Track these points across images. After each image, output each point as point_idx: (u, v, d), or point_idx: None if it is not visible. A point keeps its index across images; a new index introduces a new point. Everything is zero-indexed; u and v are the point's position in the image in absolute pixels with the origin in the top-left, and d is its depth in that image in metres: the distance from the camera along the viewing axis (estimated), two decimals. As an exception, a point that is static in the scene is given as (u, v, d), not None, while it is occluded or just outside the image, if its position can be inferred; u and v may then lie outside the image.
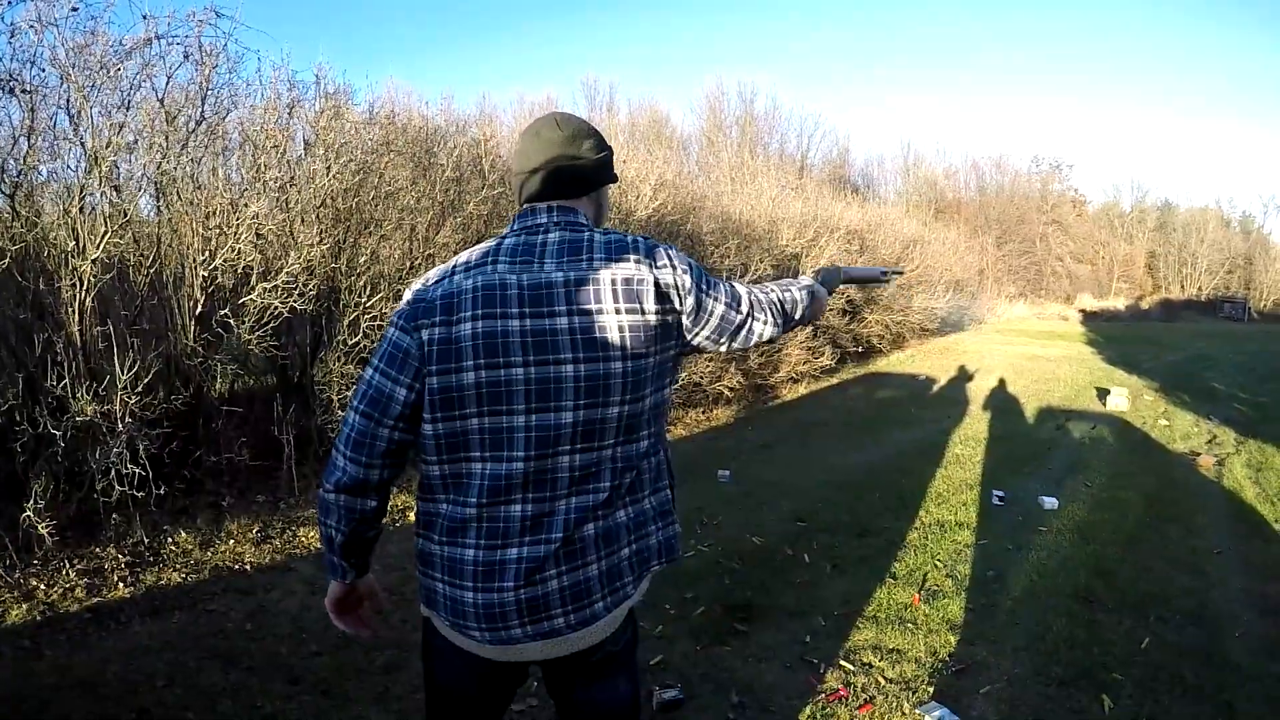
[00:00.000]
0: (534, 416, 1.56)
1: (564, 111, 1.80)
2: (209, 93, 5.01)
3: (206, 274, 4.78)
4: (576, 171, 1.73)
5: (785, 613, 4.23)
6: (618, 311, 1.59)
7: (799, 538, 5.34)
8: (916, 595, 4.43)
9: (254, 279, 4.91)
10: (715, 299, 1.72)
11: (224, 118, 5.18)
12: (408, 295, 1.66)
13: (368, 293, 5.44)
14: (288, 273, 4.85)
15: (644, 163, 9.60)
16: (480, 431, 1.57)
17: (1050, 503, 6.17)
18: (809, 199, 14.74)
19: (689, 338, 1.72)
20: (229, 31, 5.04)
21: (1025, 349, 17.20)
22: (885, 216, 18.08)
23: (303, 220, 5.15)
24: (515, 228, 1.70)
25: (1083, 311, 29.82)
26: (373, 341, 5.45)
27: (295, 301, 4.94)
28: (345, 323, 5.39)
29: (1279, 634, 4.15)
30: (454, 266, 1.66)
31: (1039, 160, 38.64)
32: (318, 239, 5.07)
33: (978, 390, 11.71)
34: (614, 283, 1.60)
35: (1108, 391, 11.67)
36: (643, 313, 1.60)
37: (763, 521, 5.67)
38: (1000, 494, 6.33)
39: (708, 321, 1.72)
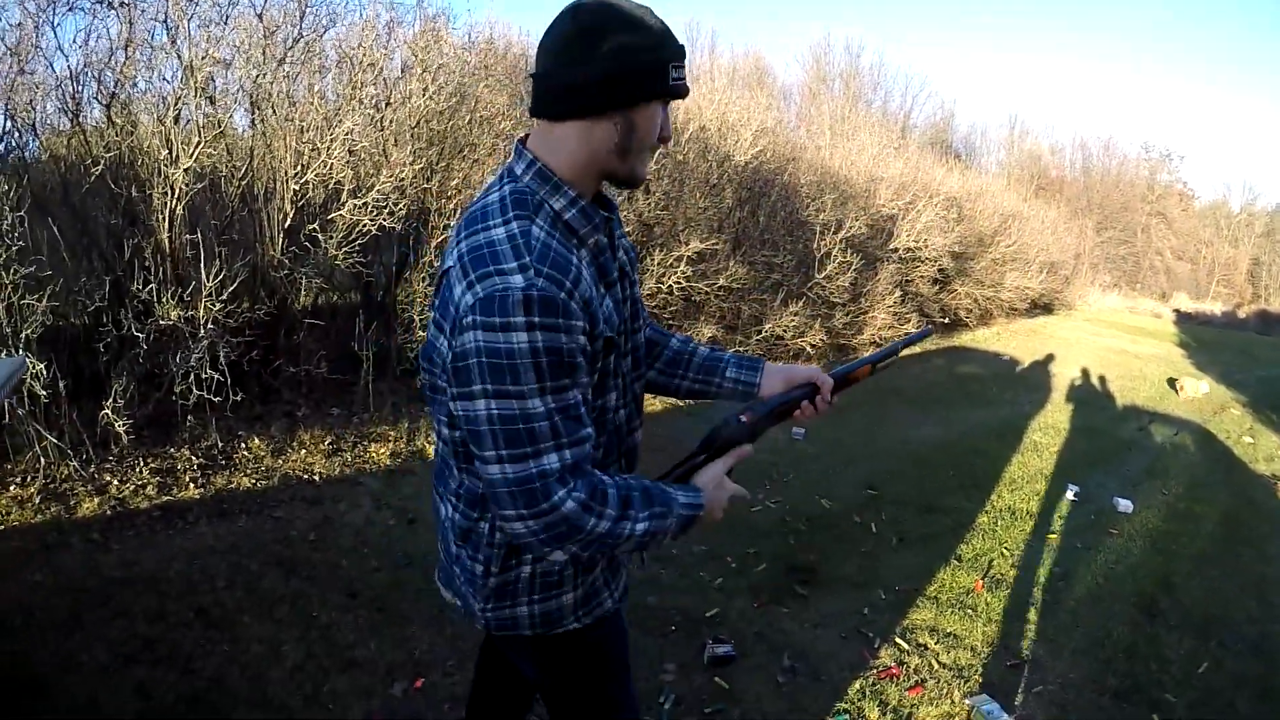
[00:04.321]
0: None
1: None
2: (308, 9, 5.03)
3: (297, 188, 4.84)
4: (572, 78, 1.29)
5: (846, 582, 4.20)
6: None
7: (867, 506, 5.29)
8: (980, 581, 4.34)
9: (344, 195, 4.95)
10: (482, 390, 1.23)
11: (321, 35, 5.19)
12: None
13: (457, 215, 5.43)
14: (378, 191, 4.88)
15: (745, 107, 9.38)
16: None
17: (1125, 505, 5.97)
18: (910, 160, 14.32)
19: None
20: (330, -53, 5.06)
21: (1114, 342, 16.62)
22: (985, 187, 17.52)
23: (395, 141, 5.16)
24: None
25: (1177, 311, 28.56)
26: None
27: (384, 220, 4.97)
28: (433, 245, 5.44)
29: None
30: None
31: (1149, 147, 37.04)
32: (410, 159, 5.08)
33: (1061, 378, 11.35)
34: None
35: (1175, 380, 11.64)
36: (436, 306, 1.35)
37: (832, 485, 5.62)
38: (1076, 489, 6.18)
39: (460, 403, 1.27)
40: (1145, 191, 34.36)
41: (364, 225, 4.94)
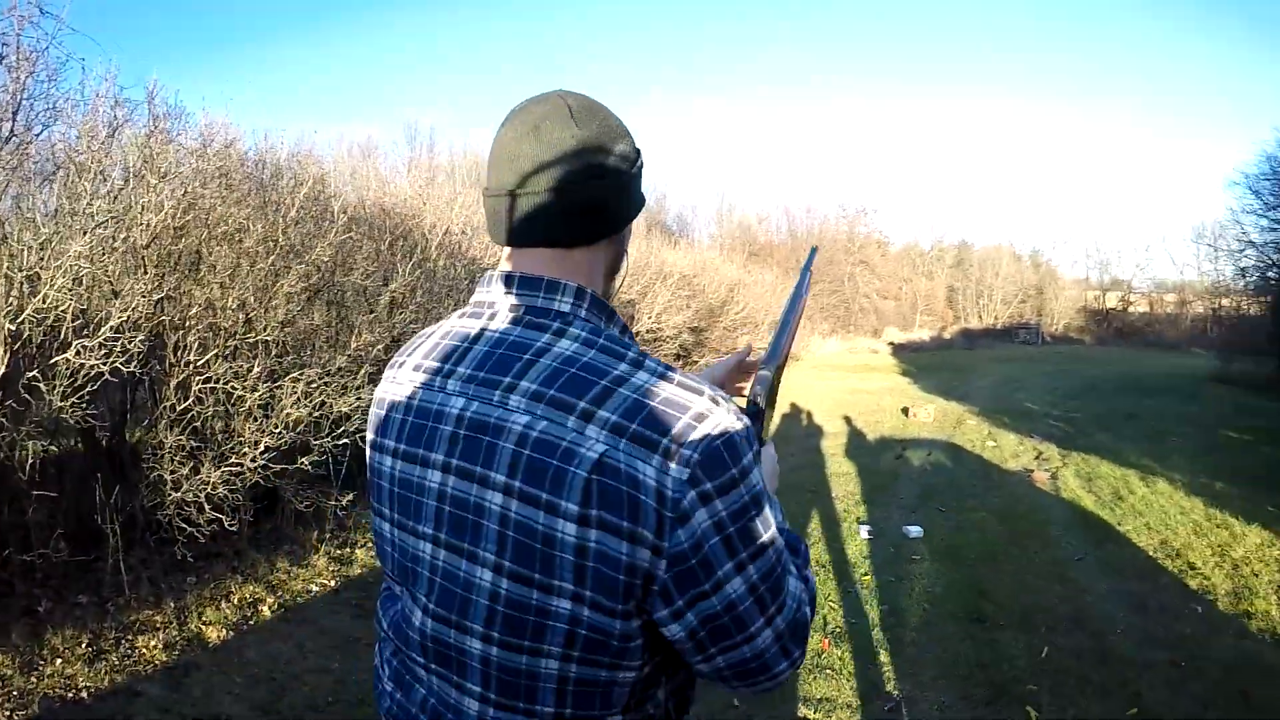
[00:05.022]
0: (401, 590, 1.11)
1: (572, 92, 1.10)
2: (23, 103, 4.30)
3: (12, 328, 4.08)
4: (600, 196, 1.06)
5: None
6: (508, 491, 0.96)
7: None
8: (825, 640, 4.43)
9: (68, 333, 4.20)
10: (736, 565, 0.96)
11: (38, 134, 4.47)
12: None
13: (196, 349, 4.84)
14: (111, 326, 4.20)
15: None
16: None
17: (915, 531, 6.38)
18: (640, 245, 14.93)
19: (658, 616, 0.97)
20: (52, 34, 4.40)
21: (845, 383, 17.92)
22: (709, 261, 18.56)
23: (123, 265, 4.49)
24: (469, 303, 1.14)
25: (891, 344, 31.81)
26: (206, 407, 4.86)
27: (118, 361, 4.25)
28: (173, 384, 4.79)
29: (1154, 625, 4.65)
30: (410, 350, 1.17)
31: (845, 206, 41.32)
32: (146, 286, 4.42)
33: (812, 426, 12.10)
34: (523, 442, 0.95)
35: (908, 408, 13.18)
36: (547, 509, 0.93)
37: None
38: (868, 527, 6.45)
39: (700, 605, 0.96)
40: (847, 244, 38.07)
41: (94, 368, 4.23)
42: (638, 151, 1.12)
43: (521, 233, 1.07)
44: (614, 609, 0.95)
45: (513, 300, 1.06)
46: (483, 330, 1.06)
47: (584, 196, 1.04)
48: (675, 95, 71.86)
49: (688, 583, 0.94)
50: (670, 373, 0.98)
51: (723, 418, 0.95)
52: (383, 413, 1.11)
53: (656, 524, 0.91)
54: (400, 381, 1.11)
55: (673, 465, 0.91)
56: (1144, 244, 68.16)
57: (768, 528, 0.98)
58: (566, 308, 1.04)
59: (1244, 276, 23.10)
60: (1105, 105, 79.96)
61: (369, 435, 1.14)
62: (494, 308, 1.07)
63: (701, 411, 0.94)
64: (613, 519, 0.91)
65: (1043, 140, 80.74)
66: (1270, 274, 19.71)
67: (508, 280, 1.07)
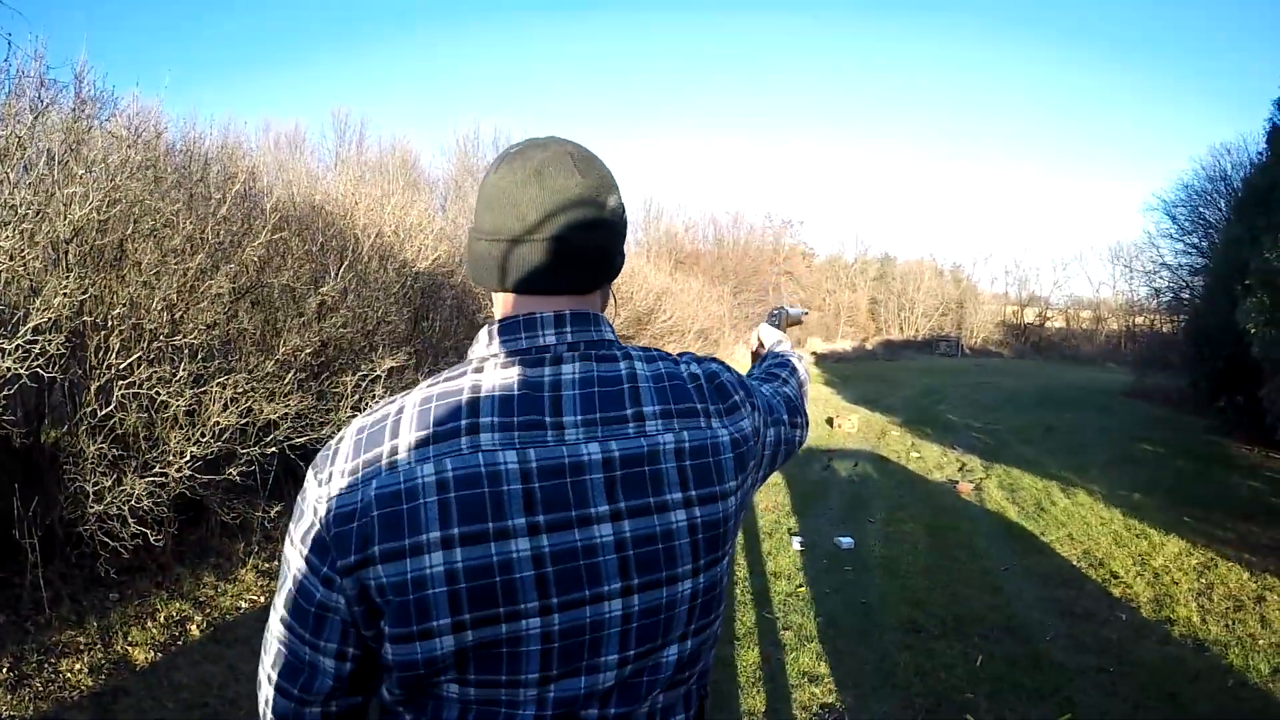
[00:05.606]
0: (552, 688, 1.00)
1: (568, 140, 1.14)
2: None
3: None
4: (603, 244, 1.11)
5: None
6: (689, 503, 1.05)
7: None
8: (766, 652, 4.50)
9: None
10: (770, 422, 1.32)
11: None
12: (316, 490, 1.01)
13: (118, 351, 4.63)
14: (31, 327, 3.97)
15: (426, 208, 9.13)
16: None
17: (847, 542, 6.52)
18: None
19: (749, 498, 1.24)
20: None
21: (771, 392, 18.16)
22: (637, 268, 18.58)
23: (44, 261, 4.26)
24: (499, 350, 1.08)
25: (814, 353, 32.38)
26: (129, 413, 4.69)
27: (38, 364, 4.03)
28: (94, 389, 4.61)
29: (1081, 632, 4.89)
30: (392, 423, 1.02)
31: (771, 217, 42.20)
32: (69, 285, 4.19)
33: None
34: (681, 455, 1.06)
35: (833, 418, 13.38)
36: (721, 497, 1.09)
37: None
38: (800, 538, 6.57)
39: (770, 456, 1.33)
40: (772, 255, 38.82)
41: (10, 370, 4.03)
42: (623, 204, 1.16)
43: (537, 282, 1.09)
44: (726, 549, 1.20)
45: (569, 339, 1.08)
46: (558, 374, 1.05)
47: (593, 246, 1.09)
48: (604, 100, 72.51)
49: (762, 461, 1.28)
50: (689, 355, 1.23)
51: (730, 369, 1.24)
52: (483, 488, 0.97)
53: (742, 438, 1.19)
54: (472, 448, 0.99)
55: (748, 409, 1.20)
56: (1061, 262, 71.49)
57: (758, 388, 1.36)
58: (611, 336, 1.14)
59: (1158, 296, 24.51)
60: (1024, 129, 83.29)
61: (455, 526, 0.95)
62: (552, 350, 1.07)
63: (729, 369, 1.23)
64: (751, 470, 1.20)
65: (966, 159, 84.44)
66: (1183, 295, 20.73)
67: (559, 320, 1.08)
